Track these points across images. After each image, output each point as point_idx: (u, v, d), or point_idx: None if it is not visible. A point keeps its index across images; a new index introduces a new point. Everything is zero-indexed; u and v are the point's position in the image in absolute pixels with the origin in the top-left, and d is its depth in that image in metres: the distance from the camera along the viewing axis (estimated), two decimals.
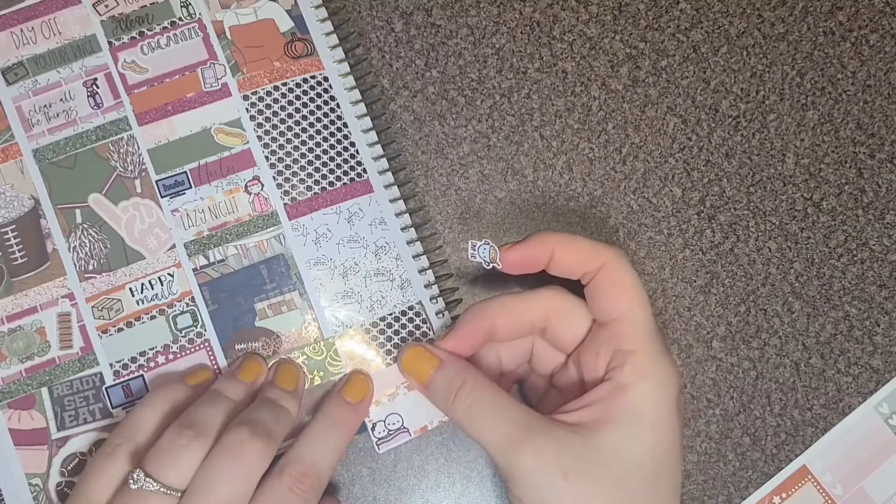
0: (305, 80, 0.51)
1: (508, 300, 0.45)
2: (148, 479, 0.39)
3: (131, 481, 0.39)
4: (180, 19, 0.52)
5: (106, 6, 0.52)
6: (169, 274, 0.49)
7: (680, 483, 0.42)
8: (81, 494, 0.41)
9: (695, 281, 0.53)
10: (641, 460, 0.40)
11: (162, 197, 0.50)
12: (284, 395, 0.46)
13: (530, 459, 0.39)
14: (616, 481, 0.39)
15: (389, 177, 0.51)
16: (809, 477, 0.51)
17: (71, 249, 0.50)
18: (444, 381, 0.43)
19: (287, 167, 0.50)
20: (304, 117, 0.51)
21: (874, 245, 0.53)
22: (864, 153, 0.54)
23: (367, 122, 0.52)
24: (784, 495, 0.51)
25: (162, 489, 0.39)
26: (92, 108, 0.51)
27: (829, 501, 0.50)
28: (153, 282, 0.49)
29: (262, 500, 0.41)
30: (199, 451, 0.41)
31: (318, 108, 0.51)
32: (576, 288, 0.45)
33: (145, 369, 0.49)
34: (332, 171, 0.50)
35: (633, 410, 0.40)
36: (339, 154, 0.51)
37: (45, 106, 0.51)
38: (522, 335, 0.46)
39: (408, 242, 0.51)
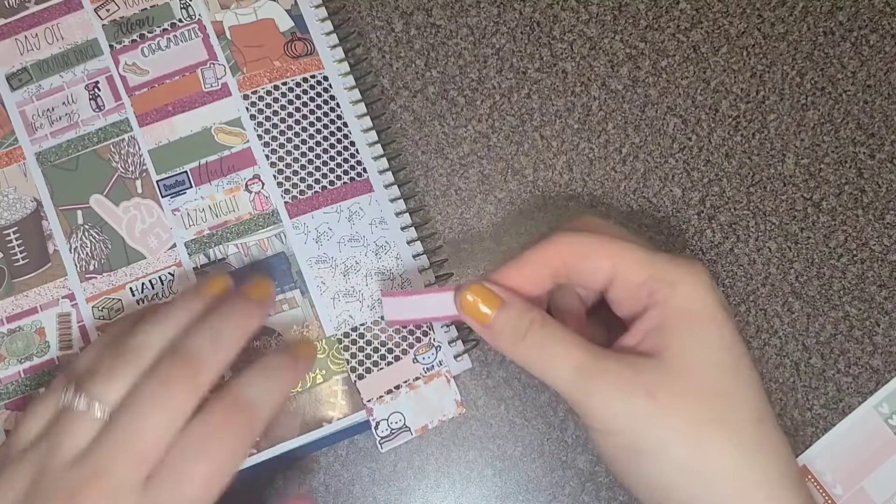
0: (305, 80, 0.51)
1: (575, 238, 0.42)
2: (82, 399, 0.38)
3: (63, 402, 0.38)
4: (180, 20, 0.52)
5: (107, 10, 0.52)
6: (170, 273, 0.49)
7: (759, 372, 0.40)
8: None
9: None
10: (718, 358, 0.39)
11: (163, 197, 0.50)
12: (236, 312, 0.42)
13: (610, 385, 0.38)
14: (703, 386, 0.38)
15: (389, 176, 0.51)
16: (809, 477, 0.51)
17: (72, 250, 0.50)
18: (509, 321, 0.41)
19: (287, 166, 0.50)
20: (305, 116, 0.51)
21: (874, 245, 0.53)
22: (864, 153, 0.54)
23: (367, 121, 0.52)
24: None
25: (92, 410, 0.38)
26: (94, 110, 0.51)
27: (829, 501, 0.50)
28: (154, 281, 0.49)
29: (191, 432, 0.38)
30: (136, 376, 0.39)
31: (318, 107, 0.51)
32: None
33: None
34: (332, 171, 0.50)
35: (687, 317, 0.39)
36: (339, 153, 0.51)
37: (48, 110, 0.51)
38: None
39: (408, 242, 0.51)
